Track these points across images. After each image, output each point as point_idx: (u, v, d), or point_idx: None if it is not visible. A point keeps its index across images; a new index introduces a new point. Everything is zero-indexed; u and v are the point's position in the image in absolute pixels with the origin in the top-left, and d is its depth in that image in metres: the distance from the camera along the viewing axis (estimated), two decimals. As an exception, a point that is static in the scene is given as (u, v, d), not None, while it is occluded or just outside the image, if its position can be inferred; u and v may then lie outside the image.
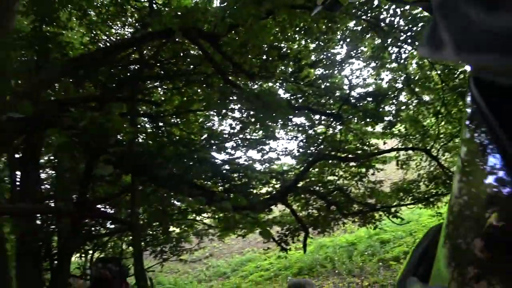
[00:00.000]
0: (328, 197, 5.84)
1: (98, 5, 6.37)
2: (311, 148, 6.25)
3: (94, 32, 6.54)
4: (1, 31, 5.01)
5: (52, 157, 6.92)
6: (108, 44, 6.56)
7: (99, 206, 6.21)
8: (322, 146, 6.13)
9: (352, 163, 6.36)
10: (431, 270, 0.42)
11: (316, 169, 6.71)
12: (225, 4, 3.28)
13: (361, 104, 6.29)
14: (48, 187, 6.83)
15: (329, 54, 6.66)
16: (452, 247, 0.35)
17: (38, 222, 5.37)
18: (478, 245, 0.31)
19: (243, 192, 3.19)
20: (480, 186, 0.31)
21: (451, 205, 0.36)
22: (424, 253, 0.55)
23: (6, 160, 5.40)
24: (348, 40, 6.40)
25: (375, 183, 6.65)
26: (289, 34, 5.52)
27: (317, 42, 6.37)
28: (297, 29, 5.36)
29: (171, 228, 6.37)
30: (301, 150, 6.40)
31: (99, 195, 6.70)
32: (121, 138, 2.54)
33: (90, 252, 7.86)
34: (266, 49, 5.42)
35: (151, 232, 5.65)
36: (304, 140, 6.59)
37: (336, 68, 6.85)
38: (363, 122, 6.42)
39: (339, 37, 6.44)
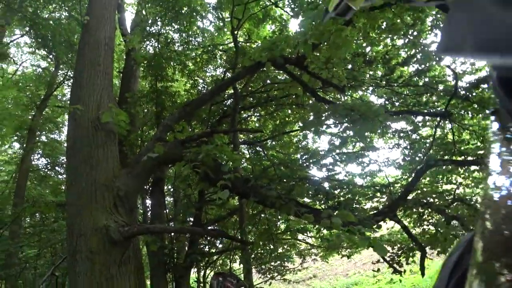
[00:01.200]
0: (446, 210, 4.97)
1: (194, 56, 7.58)
2: (418, 155, 5.53)
3: (193, 79, 7.75)
4: (130, 94, 6.49)
5: (170, 187, 8.25)
6: (205, 85, 7.60)
7: (210, 227, 6.97)
8: (431, 151, 5.36)
9: (473, 167, 5.31)
10: (463, 283, 0.34)
11: (428, 178, 5.87)
12: (302, 27, 3.41)
13: (473, 94, 5.29)
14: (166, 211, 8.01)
15: (421, 46, 5.94)
16: (499, 234, 0.30)
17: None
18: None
19: (348, 208, 3.06)
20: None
21: (485, 206, 0.32)
22: (457, 262, 0.48)
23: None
24: (441, 24, 5.58)
25: (511, 188, 5.33)
26: (372, 37, 5.24)
27: (405, 37, 5.80)
28: (381, 29, 5.04)
29: (271, 248, 6.54)
30: (406, 158, 5.73)
31: (211, 217, 7.54)
32: (230, 165, 2.86)
33: (202, 269, 8.79)
34: (351, 58, 5.27)
35: (259, 251, 5.94)
36: (409, 147, 5.91)
37: (433, 60, 6.03)
38: (480, 115, 5.35)
39: (429, 24, 5.70)
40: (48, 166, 13.18)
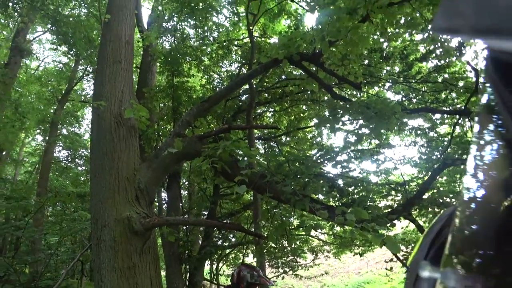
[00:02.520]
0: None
1: (209, 51, 7.66)
2: (435, 153, 5.43)
3: (208, 74, 7.85)
4: (147, 89, 6.66)
5: (185, 181, 8.44)
6: (221, 81, 7.67)
7: (225, 221, 7.12)
8: (449, 149, 5.24)
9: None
10: (442, 253, 0.37)
11: (445, 177, 5.75)
12: (320, 24, 3.40)
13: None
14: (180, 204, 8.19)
15: (441, 41, 5.76)
16: (461, 232, 0.32)
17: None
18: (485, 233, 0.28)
19: (362, 206, 3.07)
20: (494, 175, 0.28)
21: (464, 191, 0.33)
22: (436, 236, 0.49)
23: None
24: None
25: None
26: (390, 33, 5.14)
27: (424, 33, 5.66)
28: (399, 24, 4.93)
29: (286, 243, 6.60)
30: (422, 156, 5.64)
31: (225, 212, 7.68)
32: (246, 161, 2.92)
33: (215, 261, 8.99)
34: (368, 54, 5.20)
35: (272, 246, 6.02)
36: (426, 145, 5.80)
37: (453, 55, 5.85)
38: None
39: None
40: (69, 158, 13.71)
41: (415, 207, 4.89)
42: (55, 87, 12.71)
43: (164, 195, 7.43)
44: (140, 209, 3.13)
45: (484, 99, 0.31)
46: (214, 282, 8.91)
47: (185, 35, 7.75)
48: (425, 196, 4.75)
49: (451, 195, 5.24)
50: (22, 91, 11.75)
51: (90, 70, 11.58)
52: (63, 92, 12.10)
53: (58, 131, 12.52)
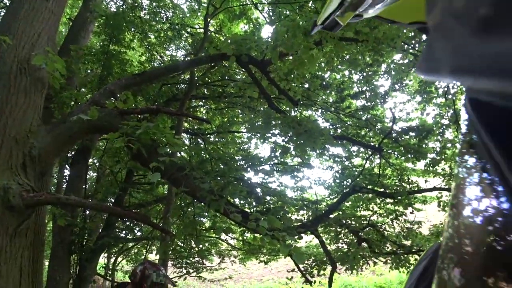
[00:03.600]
0: (360, 233, 5.52)
1: (158, 29, 7.11)
2: (347, 180, 6.05)
3: (151, 53, 7.25)
4: (75, 46, 5.77)
5: (95, 161, 7.50)
6: (162, 63, 7.17)
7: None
8: (358, 179, 5.91)
9: (389, 199, 6.02)
10: None
11: (350, 202, 6.45)
12: (276, 34, 3.47)
13: (403, 138, 6.04)
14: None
15: (372, 86, 6.60)
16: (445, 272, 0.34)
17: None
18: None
19: (275, 216, 3.16)
20: (475, 213, 0.29)
21: (447, 230, 0.34)
22: (423, 273, 0.52)
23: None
24: (393, 73, 6.31)
25: (413, 223, 6.18)
26: (334, 65, 5.61)
27: (361, 74, 6.37)
28: (343, 60, 5.44)
29: (194, 244, 6.42)
30: (336, 181, 6.21)
31: (135, 202, 7.05)
32: (167, 149, 2.70)
33: (113, 255, 8.16)
34: (310, 78, 5.54)
35: (179, 244, 5.74)
36: (340, 171, 6.42)
37: (379, 100, 6.74)
38: (403, 158, 6.14)
39: (384, 69, 6.39)
40: None
41: (321, 224, 5.33)
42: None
43: (67, 172, 6.45)
44: (25, 180, 2.58)
45: (463, 135, 0.32)
46: (108, 278, 8.02)
47: (137, 3, 7.04)
48: (332, 216, 5.22)
49: (352, 218, 5.91)
50: None
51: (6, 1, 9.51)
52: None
53: None
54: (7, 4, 9.35)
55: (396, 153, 6.10)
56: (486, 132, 0.24)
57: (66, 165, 6.16)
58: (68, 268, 5.08)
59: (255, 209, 3.50)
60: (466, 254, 0.30)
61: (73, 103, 5.40)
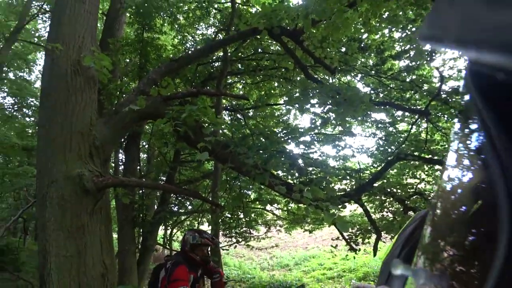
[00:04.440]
0: (406, 201, 5.37)
1: (186, 10, 7.13)
2: (391, 147, 5.80)
3: (183, 34, 7.36)
4: (113, 40, 6.08)
5: (144, 143, 8.11)
6: (195, 43, 7.26)
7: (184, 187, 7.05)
8: (403, 145, 5.64)
9: (437, 166, 5.69)
10: (414, 252, 0.41)
11: (395, 170, 6.22)
12: (306, 0, 3.31)
13: (453, 99, 5.53)
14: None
15: (416, 44, 6.00)
16: (433, 233, 0.35)
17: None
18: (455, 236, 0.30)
19: (318, 186, 3.21)
20: (467, 183, 0.30)
21: (438, 196, 0.35)
22: (409, 237, 0.54)
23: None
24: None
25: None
26: (372, 25, 5.20)
27: (403, 32, 5.82)
28: (382, 18, 5.01)
29: (241, 215, 6.80)
30: (379, 148, 5.99)
31: (184, 178, 7.59)
32: (211, 128, 2.85)
33: (169, 227, 9.01)
34: (346, 42, 5.23)
35: (227, 215, 6.14)
36: (384, 138, 6.15)
37: (424, 59, 6.15)
38: (454, 120, 5.66)
39: None
40: (15, 106, 12.32)
41: (365, 193, 5.27)
42: (1, 22, 11.04)
43: (121, 156, 7.10)
44: (94, 167, 2.94)
45: (467, 100, 0.31)
46: (167, 247, 8.97)
47: (162, -13, 7.09)
48: (376, 184, 5.12)
49: (398, 186, 5.72)
50: (-40, 21, 10.08)
51: (47, 9, 10.22)
52: (11, 30, 10.58)
53: (4, 75, 11.08)
54: (46, 8, 10.02)
55: (445, 116, 5.63)
56: (486, 105, 0.23)
57: (120, 150, 6.78)
58: (133, 239, 5.80)
59: (298, 180, 3.59)
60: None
61: (118, 93, 5.84)
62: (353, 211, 7.83)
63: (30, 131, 10.95)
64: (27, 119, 12.19)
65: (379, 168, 5.47)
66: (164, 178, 7.12)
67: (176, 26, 7.07)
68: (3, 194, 8.16)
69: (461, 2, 0.24)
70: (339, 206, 3.53)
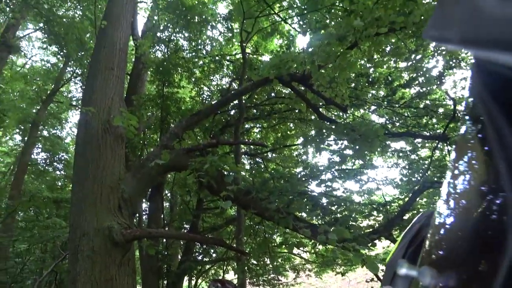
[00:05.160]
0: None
1: (201, 64, 7.76)
2: (416, 175, 5.62)
3: (199, 87, 7.91)
4: (136, 96, 6.63)
5: (167, 192, 8.27)
6: (211, 93, 7.74)
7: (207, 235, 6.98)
8: (428, 172, 5.46)
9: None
10: (419, 252, 0.40)
11: (425, 199, 5.94)
12: (311, 47, 3.56)
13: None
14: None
15: (423, 70, 6.10)
16: (437, 235, 0.34)
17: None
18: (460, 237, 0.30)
19: (344, 225, 3.14)
20: (475, 179, 0.29)
21: (445, 196, 0.34)
22: (415, 236, 0.53)
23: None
24: (444, 51, 5.75)
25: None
26: (376, 60, 5.41)
27: (407, 62, 5.97)
28: (385, 52, 5.21)
29: (268, 261, 6.54)
30: (404, 178, 5.81)
31: (207, 226, 7.56)
32: (232, 176, 2.95)
33: (194, 277, 8.72)
34: (355, 78, 5.41)
35: (254, 262, 5.94)
36: (407, 167, 6.00)
37: (434, 84, 6.19)
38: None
39: (432, 48, 5.88)
40: (47, 161, 13.18)
41: (396, 228, 5.01)
42: (40, 86, 12.35)
43: (145, 205, 7.26)
44: (122, 220, 3.06)
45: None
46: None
47: (178, 46, 7.83)
48: (406, 216, 4.88)
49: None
50: (5, 88, 11.35)
51: (79, 73, 11.40)
52: (48, 92, 11.78)
53: (39, 132, 12.08)
54: (78, 72, 11.20)
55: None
56: (492, 99, 0.23)
57: (144, 200, 6.95)
58: (157, 291, 5.66)
59: (323, 220, 3.52)
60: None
61: (142, 145, 6.18)
62: (386, 248, 7.36)
63: (60, 184, 11.52)
64: (58, 172, 12.92)
65: (406, 199, 5.26)
66: (187, 226, 7.13)
67: (193, 79, 7.64)
68: (31, 247, 8.36)
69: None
70: (369, 245, 3.39)
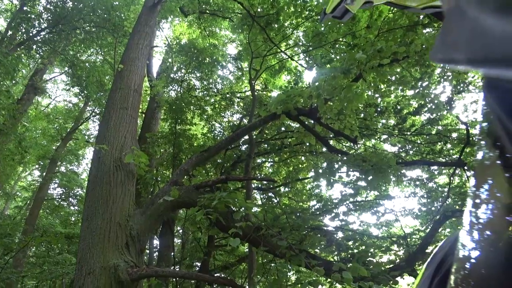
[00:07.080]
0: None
1: (213, 102, 8.06)
2: (435, 204, 5.35)
3: (211, 123, 8.14)
4: (150, 134, 6.84)
5: (178, 228, 8.13)
6: (222, 130, 7.90)
7: (217, 274, 6.71)
8: (449, 200, 5.20)
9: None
10: (446, 283, 0.35)
11: (448, 229, 5.59)
12: (317, 81, 3.65)
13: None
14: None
15: (431, 96, 6.07)
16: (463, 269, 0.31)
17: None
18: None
19: (361, 262, 2.96)
20: (498, 208, 0.27)
21: (467, 226, 0.32)
22: (440, 263, 0.48)
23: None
24: (450, 75, 5.74)
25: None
26: (382, 90, 5.46)
27: (415, 89, 5.99)
28: (390, 82, 5.26)
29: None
30: (423, 208, 5.54)
31: (219, 264, 7.29)
32: (242, 212, 2.89)
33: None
34: (363, 108, 5.44)
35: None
36: (425, 196, 5.74)
37: (444, 109, 6.11)
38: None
39: (438, 74, 5.89)
40: (62, 196, 13.40)
41: (418, 262, 4.67)
42: (61, 125, 13.02)
43: (156, 242, 7.14)
44: (129, 258, 3.00)
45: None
46: None
47: (191, 86, 8.20)
48: (428, 250, 4.57)
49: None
50: (28, 126, 12.00)
51: (98, 112, 11.99)
52: (68, 130, 12.37)
53: (57, 168, 12.45)
54: (97, 111, 11.81)
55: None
56: (505, 114, 0.22)
57: (155, 236, 6.84)
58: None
59: (338, 256, 3.34)
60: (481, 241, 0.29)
61: (154, 181, 6.23)
62: (411, 284, 6.81)
63: (73, 219, 11.58)
64: (72, 207, 13.05)
65: (427, 231, 4.96)
66: (198, 264, 6.89)
67: (205, 116, 7.89)
68: (39, 283, 8.20)
69: (469, 17, 0.23)
70: (390, 282, 3.16)
